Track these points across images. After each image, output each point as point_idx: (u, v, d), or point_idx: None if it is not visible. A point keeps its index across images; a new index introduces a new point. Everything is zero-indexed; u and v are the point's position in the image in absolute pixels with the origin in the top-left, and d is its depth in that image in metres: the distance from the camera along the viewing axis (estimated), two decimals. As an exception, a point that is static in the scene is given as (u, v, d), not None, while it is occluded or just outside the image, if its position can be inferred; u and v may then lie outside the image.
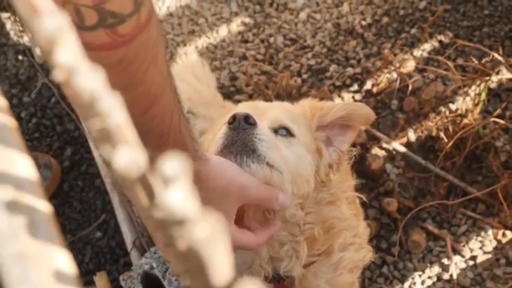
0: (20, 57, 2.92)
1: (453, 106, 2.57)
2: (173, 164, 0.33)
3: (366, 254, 1.73)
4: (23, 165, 0.50)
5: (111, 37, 0.89)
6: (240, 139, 1.39)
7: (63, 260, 0.48)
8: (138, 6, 0.89)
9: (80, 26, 0.87)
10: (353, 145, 2.48)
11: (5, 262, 0.44)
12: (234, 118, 1.41)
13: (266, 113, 1.58)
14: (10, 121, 0.53)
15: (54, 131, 2.72)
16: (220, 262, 0.36)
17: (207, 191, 1.24)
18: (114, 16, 0.87)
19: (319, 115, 1.61)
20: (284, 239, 1.51)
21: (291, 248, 1.52)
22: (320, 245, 1.58)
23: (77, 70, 0.38)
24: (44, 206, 0.50)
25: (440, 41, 2.77)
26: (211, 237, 0.33)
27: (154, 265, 1.84)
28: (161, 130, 1.08)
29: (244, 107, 1.67)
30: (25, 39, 2.86)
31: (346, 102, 1.67)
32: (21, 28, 2.80)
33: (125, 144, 0.37)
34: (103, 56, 0.91)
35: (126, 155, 0.35)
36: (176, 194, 0.32)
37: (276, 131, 1.53)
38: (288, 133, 1.54)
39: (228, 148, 1.40)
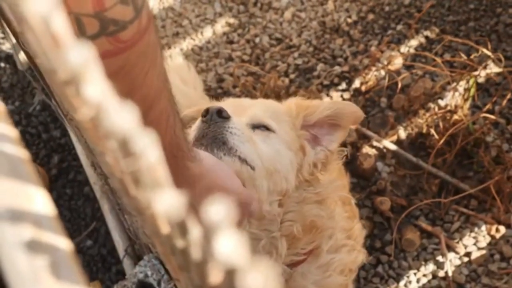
0: (2, 64, 2.87)
1: (442, 102, 2.56)
2: (219, 210, 0.31)
3: (358, 256, 1.71)
4: (40, 201, 0.48)
5: (113, 44, 0.87)
6: (211, 131, 1.39)
7: (88, 301, 0.46)
8: (139, 11, 0.87)
9: (81, 37, 0.85)
10: (344, 144, 2.48)
11: (30, 308, 0.42)
12: (207, 111, 1.42)
13: (248, 110, 1.57)
14: (23, 153, 0.51)
15: (40, 139, 2.67)
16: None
17: (201, 190, 1.22)
18: (115, 24, 0.85)
19: (304, 113, 1.60)
20: (259, 235, 1.49)
21: (269, 243, 1.49)
22: (304, 244, 1.55)
23: (107, 107, 0.36)
24: (65, 244, 0.47)
25: (427, 37, 2.77)
26: (263, 286, 0.31)
27: (149, 273, 1.82)
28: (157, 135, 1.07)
29: (228, 103, 1.65)
30: (7, 46, 2.81)
31: (333, 100, 1.65)
32: (2, 35, 2.75)
33: (162, 188, 0.34)
34: (105, 64, 0.89)
35: (166, 200, 0.33)
36: (226, 243, 0.30)
37: (256, 128, 1.52)
38: (267, 130, 1.53)
39: (199, 141, 1.40)
